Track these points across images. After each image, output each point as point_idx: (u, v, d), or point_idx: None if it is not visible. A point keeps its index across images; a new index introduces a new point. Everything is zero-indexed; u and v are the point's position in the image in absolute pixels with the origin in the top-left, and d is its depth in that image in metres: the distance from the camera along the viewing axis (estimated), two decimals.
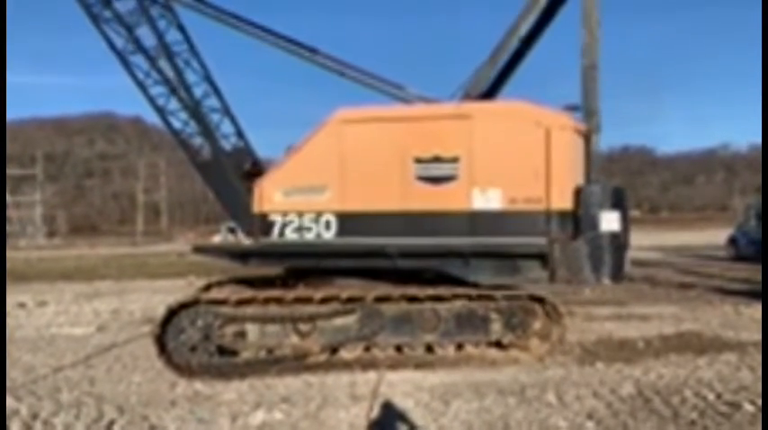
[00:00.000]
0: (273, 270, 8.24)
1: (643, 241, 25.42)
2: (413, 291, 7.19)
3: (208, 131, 8.04)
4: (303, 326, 7.19)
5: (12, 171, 65.61)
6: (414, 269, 7.47)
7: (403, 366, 7.02)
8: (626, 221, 7.04)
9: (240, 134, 8.69)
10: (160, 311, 7.19)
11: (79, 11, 7.91)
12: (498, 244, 6.98)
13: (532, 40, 7.97)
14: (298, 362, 7.09)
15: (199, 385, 6.56)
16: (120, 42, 7.92)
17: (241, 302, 7.08)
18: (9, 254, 36.13)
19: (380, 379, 6.61)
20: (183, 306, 7.02)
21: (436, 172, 7.04)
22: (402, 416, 5.47)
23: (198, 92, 8.23)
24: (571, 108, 7.35)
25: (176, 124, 8.04)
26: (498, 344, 7.31)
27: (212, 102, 8.42)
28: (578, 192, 6.92)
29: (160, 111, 7.98)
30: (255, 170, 8.32)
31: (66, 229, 73.83)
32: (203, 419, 5.52)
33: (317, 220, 7.26)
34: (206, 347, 6.98)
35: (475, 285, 7.17)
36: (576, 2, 7.50)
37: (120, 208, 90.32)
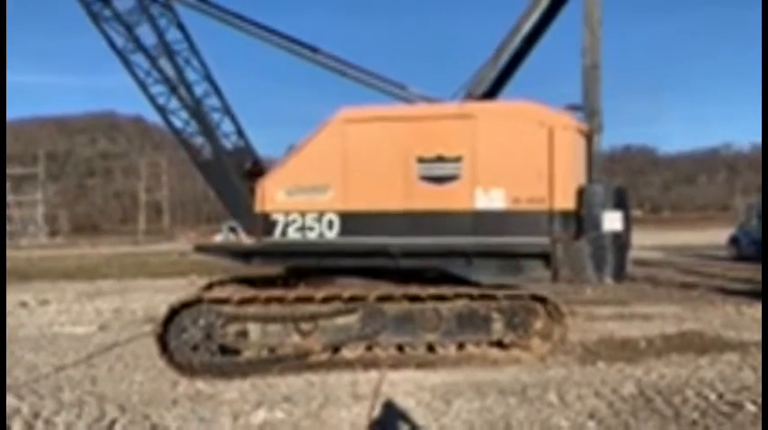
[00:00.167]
0: (275, 269, 8.24)
1: (645, 241, 25.40)
2: (414, 290, 7.20)
3: (209, 130, 8.04)
4: (305, 326, 7.20)
5: (14, 170, 65.72)
6: (416, 269, 7.48)
7: (404, 365, 7.03)
8: (628, 221, 7.04)
9: (241, 133, 8.69)
10: (162, 310, 7.20)
11: (80, 10, 7.92)
12: (501, 243, 6.99)
13: (534, 39, 7.96)
14: (299, 362, 7.09)
15: (200, 384, 6.57)
16: (120, 41, 7.92)
17: (243, 301, 7.09)
18: (11, 253, 36.21)
19: (382, 378, 6.61)
20: (185, 305, 7.02)
21: (439, 171, 7.05)
22: (403, 416, 5.47)
23: (198, 91, 8.24)
24: (573, 108, 7.35)
25: (177, 123, 8.04)
26: (500, 344, 7.31)
27: (212, 101, 8.42)
28: (581, 192, 6.93)
29: (161, 110, 7.98)
30: (256, 169, 8.32)
31: (68, 228, 73.93)
32: (205, 418, 5.52)
33: (319, 220, 7.27)
34: (208, 346, 6.99)
35: (476, 285, 7.18)
36: (577, 2, 7.50)
37: (121, 207, 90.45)
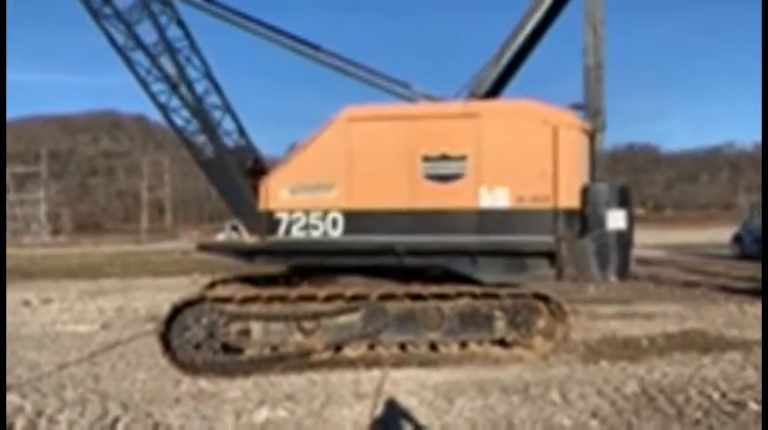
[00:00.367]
0: (277, 268, 8.24)
1: (647, 239, 25.40)
2: (417, 289, 7.20)
3: (210, 129, 8.03)
4: (307, 324, 7.20)
5: (16, 169, 65.93)
6: (421, 267, 7.49)
7: (407, 364, 7.03)
8: (630, 220, 7.05)
9: (242, 131, 8.68)
10: (164, 309, 7.20)
11: (81, 9, 7.91)
12: (506, 242, 7.00)
13: (536, 38, 7.95)
14: (302, 360, 7.10)
15: (203, 382, 6.58)
16: (120, 39, 7.91)
17: (246, 300, 7.09)
18: (14, 251, 36.32)
19: (384, 377, 6.61)
20: (188, 303, 7.03)
21: (444, 170, 7.05)
22: (406, 414, 5.48)
23: (199, 88, 8.21)
24: (576, 107, 7.36)
25: (179, 122, 8.03)
26: (502, 343, 7.31)
27: (213, 99, 8.40)
28: (585, 191, 6.95)
29: (162, 108, 7.97)
30: (258, 168, 8.32)
31: (71, 227, 74.11)
32: (207, 417, 5.53)
33: (323, 218, 7.27)
34: (210, 345, 7.00)
35: (478, 283, 7.18)
36: (578, 1, 7.49)
37: (124, 206, 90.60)
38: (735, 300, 11.65)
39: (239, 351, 7.22)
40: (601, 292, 12.53)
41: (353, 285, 7.35)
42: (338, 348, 7.32)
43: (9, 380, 6.81)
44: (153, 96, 7.93)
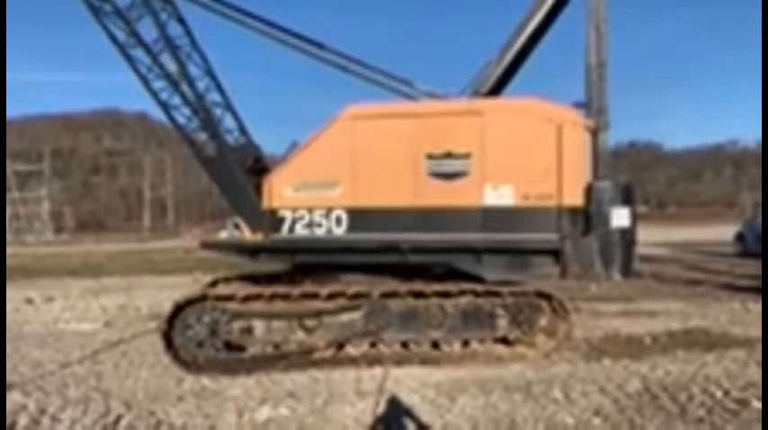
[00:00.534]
0: (279, 266, 8.24)
1: (650, 237, 25.34)
2: (419, 287, 7.19)
3: (212, 126, 8.03)
4: (309, 322, 7.21)
5: (19, 167, 66.03)
6: (425, 265, 7.49)
7: (409, 362, 7.02)
8: (634, 217, 7.06)
9: (243, 130, 8.67)
10: (167, 307, 7.21)
11: (83, 7, 7.89)
12: (510, 240, 7.01)
13: (538, 37, 7.95)
14: (304, 358, 7.10)
15: (205, 380, 6.58)
16: (121, 36, 7.89)
17: (248, 298, 7.10)
18: (17, 249, 36.40)
19: (386, 375, 6.61)
20: (190, 302, 7.04)
21: (448, 168, 7.05)
22: (408, 412, 5.47)
23: (200, 86, 8.21)
24: (579, 105, 7.35)
25: (180, 119, 8.02)
26: (504, 341, 7.31)
27: (214, 96, 8.39)
28: (589, 189, 6.96)
29: (164, 106, 7.96)
30: (259, 166, 8.32)
31: (74, 225, 74.15)
32: (210, 414, 5.53)
33: (327, 216, 7.27)
34: (213, 343, 7.01)
35: (481, 281, 7.17)
36: (580, 0, 7.48)
37: (126, 204, 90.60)
38: (738, 298, 11.63)
39: (241, 349, 7.23)
40: (603, 290, 12.50)
41: (355, 283, 7.35)
42: (340, 346, 7.32)
43: (12, 378, 6.83)
44: (154, 94, 7.93)
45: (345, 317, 7.20)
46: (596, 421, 5.21)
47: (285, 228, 7.37)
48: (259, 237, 7.56)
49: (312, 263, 7.74)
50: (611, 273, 6.98)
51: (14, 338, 9.13)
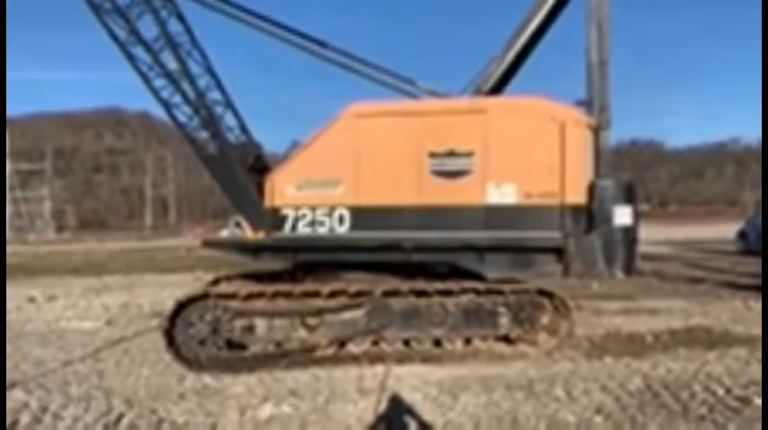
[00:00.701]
0: (281, 265, 8.24)
1: (652, 235, 25.31)
2: (421, 285, 7.19)
3: (213, 124, 8.02)
4: (311, 320, 7.21)
5: (21, 166, 66.08)
6: (428, 263, 7.49)
7: (411, 360, 7.02)
8: (636, 216, 7.07)
9: (243, 128, 8.67)
10: (168, 305, 7.22)
11: (83, 5, 7.89)
12: (513, 238, 7.01)
13: (540, 35, 7.94)
14: (306, 356, 7.10)
15: (207, 379, 6.59)
16: (122, 34, 7.89)
17: (250, 296, 7.10)
18: (19, 248, 36.47)
19: (388, 373, 6.61)
20: (192, 300, 7.04)
21: (451, 166, 7.06)
22: (410, 410, 5.47)
23: (200, 84, 8.20)
24: (581, 104, 7.35)
25: (181, 117, 8.01)
26: (506, 339, 7.30)
27: (214, 94, 8.39)
28: (592, 187, 6.97)
29: (165, 104, 7.95)
30: (260, 164, 8.32)
31: (75, 224, 74.27)
32: (212, 412, 5.54)
33: (330, 214, 7.27)
34: (214, 341, 7.01)
35: (483, 279, 7.18)
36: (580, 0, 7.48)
37: (128, 202, 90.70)
38: (740, 296, 11.62)
39: (243, 347, 7.23)
40: (605, 288, 12.50)
41: (357, 281, 7.35)
42: (342, 344, 7.32)
43: (14, 376, 6.84)
44: (155, 92, 7.92)
45: (347, 315, 7.20)
46: (598, 419, 5.21)
47: (287, 226, 7.37)
48: (261, 235, 7.56)
49: (314, 261, 7.74)
50: (613, 271, 6.99)
51: (16, 336, 9.14)
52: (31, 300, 13.21)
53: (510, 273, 7.22)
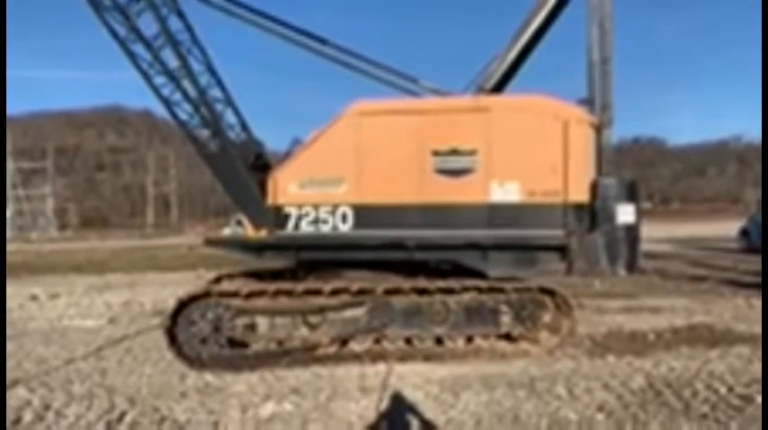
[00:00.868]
0: (283, 263, 8.24)
1: (654, 233, 25.27)
2: (423, 283, 7.19)
3: (214, 122, 8.01)
4: (313, 319, 7.21)
5: (23, 164, 66.24)
6: (431, 261, 7.48)
7: (412, 358, 7.03)
8: (638, 214, 7.07)
9: (244, 126, 8.66)
10: (170, 303, 7.22)
11: (84, 4, 7.88)
12: (517, 236, 7.01)
13: (541, 34, 7.93)
14: (307, 354, 7.11)
15: (209, 377, 6.60)
16: (122, 32, 7.87)
17: (251, 294, 7.10)
18: (21, 246, 36.53)
19: (390, 371, 6.62)
20: (194, 298, 7.05)
21: (454, 164, 7.06)
22: (412, 408, 5.48)
23: (201, 82, 8.19)
24: (583, 102, 7.35)
25: (183, 115, 8.00)
26: (508, 337, 7.31)
27: (215, 92, 8.37)
28: (594, 185, 6.97)
29: (166, 102, 7.94)
30: (261, 162, 8.31)
31: (78, 222, 74.39)
32: (213, 411, 5.54)
33: (333, 213, 7.27)
34: (216, 339, 7.02)
35: (484, 277, 7.17)
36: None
37: (130, 201, 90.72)
38: (742, 294, 11.60)
39: (245, 345, 7.24)
40: (607, 287, 12.49)
41: (359, 279, 7.35)
42: (344, 342, 7.33)
43: (17, 374, 6.85)
44: (156, 90, 7.91)
45: (349, 313, 7.21)
46: (600, 417, 5.21)
47: (290, 224, 7.37)
48: (262, 233, 7.56)
49: (317, 260, 7.74)
50: (616, 269, 7.00)
51: (19, 334, 9.16)
52: (34, 298, 13.24)
53: (513, 272, 7.23)
